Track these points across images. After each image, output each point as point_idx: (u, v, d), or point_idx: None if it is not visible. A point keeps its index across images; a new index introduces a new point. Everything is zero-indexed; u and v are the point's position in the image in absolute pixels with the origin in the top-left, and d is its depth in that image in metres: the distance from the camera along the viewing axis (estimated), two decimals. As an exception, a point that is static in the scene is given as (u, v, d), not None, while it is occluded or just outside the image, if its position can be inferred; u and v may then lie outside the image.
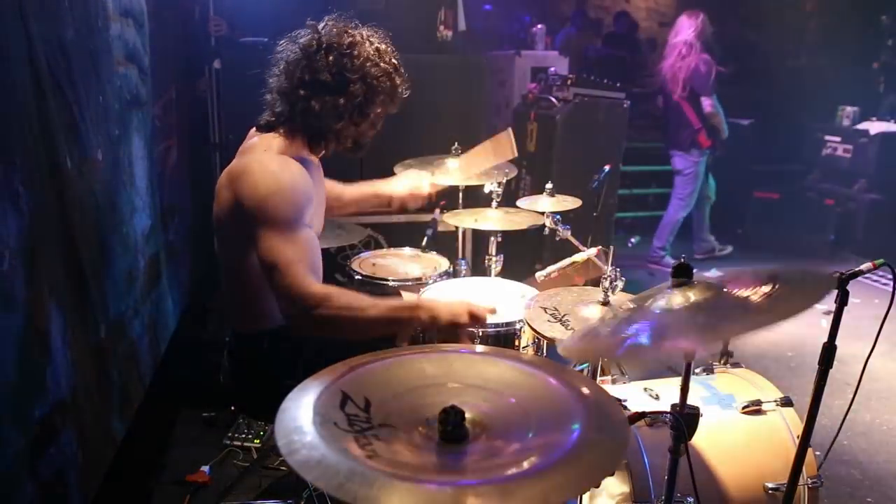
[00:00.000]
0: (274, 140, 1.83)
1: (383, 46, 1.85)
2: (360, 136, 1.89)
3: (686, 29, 4.76)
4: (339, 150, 1.92)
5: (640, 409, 1.62)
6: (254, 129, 1.93)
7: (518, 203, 2.72)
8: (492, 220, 2.61)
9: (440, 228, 2.84)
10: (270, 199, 1.67)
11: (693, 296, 1.38)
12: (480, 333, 2.18)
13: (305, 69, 1.77)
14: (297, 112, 1.79)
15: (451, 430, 1.00)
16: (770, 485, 1.76)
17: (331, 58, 1.76)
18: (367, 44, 1.81)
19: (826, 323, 1.42)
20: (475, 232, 3.04)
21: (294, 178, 1.73)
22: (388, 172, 2.52)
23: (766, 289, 1.31)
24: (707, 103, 4.80)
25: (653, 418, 1.72)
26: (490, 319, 2.20)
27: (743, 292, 1.34)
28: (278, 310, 1.69)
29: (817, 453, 1.94)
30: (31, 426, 1.55)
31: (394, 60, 1.86)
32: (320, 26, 1.82)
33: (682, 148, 4.96)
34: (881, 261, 1.48)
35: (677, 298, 1.39)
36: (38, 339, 1.60)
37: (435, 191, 2.47)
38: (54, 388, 1.67)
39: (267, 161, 1.75)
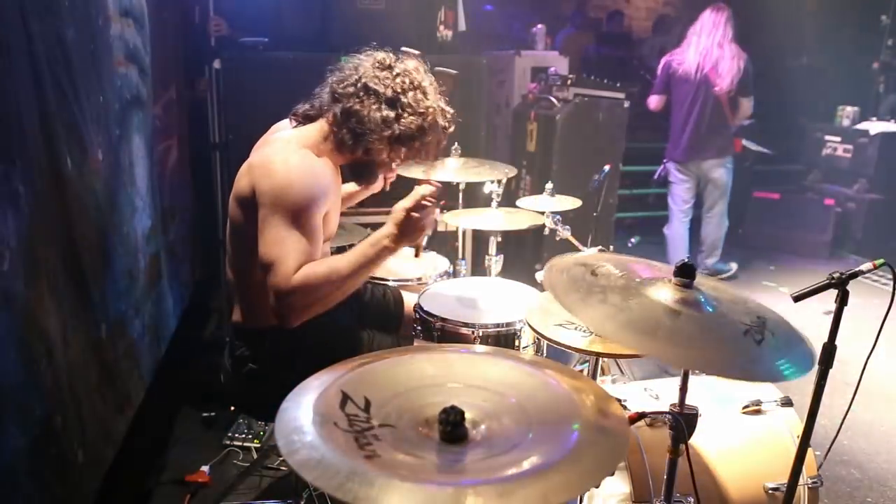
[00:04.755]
0: (302, 133, 1.83)
1: (447, 107, 1.88)
2: (385, 159, 1.87)
3: (721, 25, 4.50)
4: (355, 166, 1.91)
5: (640, 409, 1.62)
6: (288, 119, 1.93)
7: (518, 203, 2.72)
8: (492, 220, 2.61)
9: (440, 228, 2.84)
10: (285, 189, 1.67)
11: (680, 298, 1.36)
12: (481, 334, 2.18)
13: (370, 77, 1.78)
14: (340, 109, 1.78)
15: (451, 430, 1.00)
16: (770, 485, 1.76)
17: (399, 80, 1.78)
18: (435, 95, 1.84)
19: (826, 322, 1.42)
20: (475, 232, 3.04)
21: (313, 173, 1.73)
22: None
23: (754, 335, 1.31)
24: (749, 105, 4.56)
25: (653, 418, 1.72)
26: (489, 316, 2.21)
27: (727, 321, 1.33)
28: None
29: (817, 453, 1.94)
30: (31, 426, 1.55)
31: (448, 125, 1.88)
32: (401, 53, 1.86)
33: (717, 155, 4.67)
34: (881, 261, 1.48)
35: (664, 293, 1.37)
36: (39, 339, 1.60)
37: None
38: (55, 388, 1.67)
39: (288, 153, 1.74)
